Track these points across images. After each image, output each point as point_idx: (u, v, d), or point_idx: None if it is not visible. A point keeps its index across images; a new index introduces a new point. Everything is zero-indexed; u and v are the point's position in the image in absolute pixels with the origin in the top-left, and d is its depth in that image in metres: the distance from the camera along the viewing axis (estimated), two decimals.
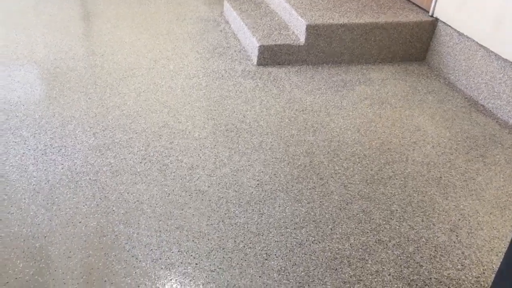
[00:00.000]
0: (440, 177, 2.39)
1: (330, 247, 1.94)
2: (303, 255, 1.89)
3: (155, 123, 2.65)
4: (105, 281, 1.72)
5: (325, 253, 1.91)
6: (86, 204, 2.05)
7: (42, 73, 3.03)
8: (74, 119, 2.61)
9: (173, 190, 2.17)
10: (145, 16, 4.09)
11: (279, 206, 2.13)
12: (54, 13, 3.96)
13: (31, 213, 1.98)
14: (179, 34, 3.77)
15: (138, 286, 1.71)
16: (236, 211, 2.08)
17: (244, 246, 1.91)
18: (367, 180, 2.33)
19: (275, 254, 1.89)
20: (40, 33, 3.54)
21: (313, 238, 1.97)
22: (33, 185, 2.13)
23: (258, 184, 2.25)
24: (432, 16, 3.51)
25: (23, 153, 2.33)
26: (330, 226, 2.04)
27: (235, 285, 1.75)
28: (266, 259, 1.86)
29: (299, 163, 2.42)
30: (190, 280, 1.75)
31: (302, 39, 3.37)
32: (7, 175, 2.18)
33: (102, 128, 2.56)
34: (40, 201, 2.05)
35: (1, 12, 3.87)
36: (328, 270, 1.83)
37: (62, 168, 2.25)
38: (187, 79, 3.12)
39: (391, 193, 2.26)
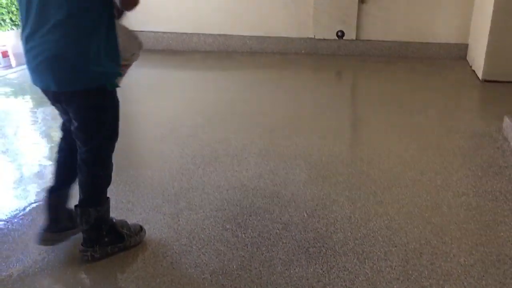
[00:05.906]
0: None
1: None
2: None
3: (416, 238, 2.54)
4: None
5: None
6: None
7: (314, 174, 3.30)
8: (337, 221, 2.72)
9: None
10: (416, 127, 4.12)
11: None
12: (329, 119, 4.35)
13: None
14: (449, 148, 3.65)
15: None
16: None
17: None
18: None
19: None
20: (316, 137, 3.90)
21: None
22: None
23: None
24: None
25: (289, 251, 2.51)
26: None
27: None
28: None
29: None
30: None
31: None
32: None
33: (362, 235, 2.58)
34: None
35: (280, 118, 4.45)
36: None
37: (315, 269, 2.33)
38: (455, 197, 2.94)
39: None
